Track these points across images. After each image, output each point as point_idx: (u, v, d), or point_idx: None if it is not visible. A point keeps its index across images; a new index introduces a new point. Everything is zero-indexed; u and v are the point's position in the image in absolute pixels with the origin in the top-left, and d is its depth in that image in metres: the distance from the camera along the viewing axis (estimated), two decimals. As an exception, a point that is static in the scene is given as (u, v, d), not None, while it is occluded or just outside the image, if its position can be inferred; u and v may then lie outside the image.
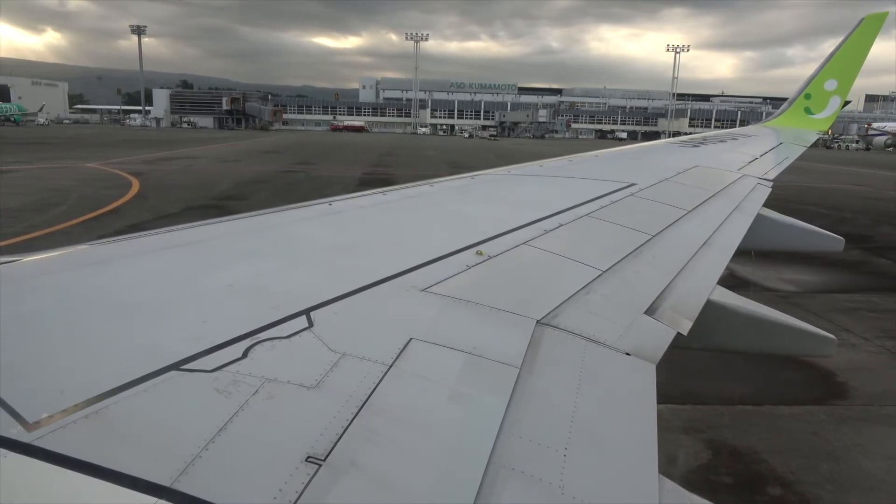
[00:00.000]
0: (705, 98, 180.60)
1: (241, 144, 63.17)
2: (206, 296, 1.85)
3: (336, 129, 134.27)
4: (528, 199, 3.94)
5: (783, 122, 11.61)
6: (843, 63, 10.71)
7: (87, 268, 2.07)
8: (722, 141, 9.06)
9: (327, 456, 1.15)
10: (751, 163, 6.69)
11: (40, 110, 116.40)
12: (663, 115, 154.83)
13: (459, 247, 2.51)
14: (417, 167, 38.65)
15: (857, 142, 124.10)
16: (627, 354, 1.89)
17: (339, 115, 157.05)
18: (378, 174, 33.52)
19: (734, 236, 3.64)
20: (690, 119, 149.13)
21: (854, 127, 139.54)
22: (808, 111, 11.38)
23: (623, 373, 1.82)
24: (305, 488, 1.07)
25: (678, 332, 2.13)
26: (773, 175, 6.08)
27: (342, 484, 1.10)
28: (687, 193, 4.49)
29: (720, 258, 3.15)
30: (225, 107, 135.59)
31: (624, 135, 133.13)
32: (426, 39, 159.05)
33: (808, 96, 11.40)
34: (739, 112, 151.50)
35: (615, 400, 1.69)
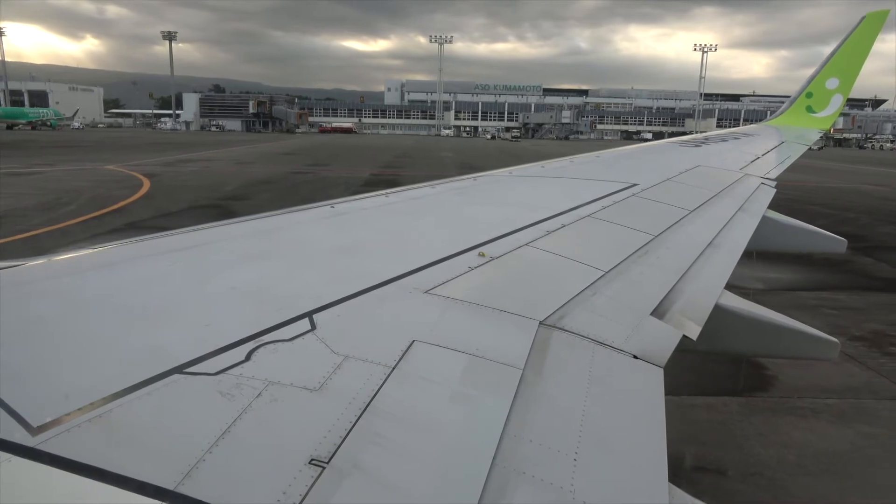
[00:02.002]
0: (735, 98, 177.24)
1: (263, 147, 64.48)
2: (209, 299, 1.86)
3: (324, 130, 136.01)
4: (529, 201, 3.94)
5: (785, 121, 11.52)
6: (845, 61, 10.60)
7: (90, 272, 2.10)
8: (724, 140, 9.08)
9: (331, 458, 1.16)
10: (753, 162, 6.74)
11: (74, 115, 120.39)
12: (691, 116, 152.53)
13: (462, 248, 2.52)
14: (427, 168, 39.03)
15: (893, 141, 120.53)
16: (635, 357, 1.88)
17: (365, 117, 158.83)
18: (385, 175, 34.02)
19: (740, 239, 3.60)
20: (718, 119, 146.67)
21: (889, 126, 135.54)
22: (809, 109, 11.28)
23: (631, 376, 1.81)
24: (309, 491, 1.07)
25: (685, 336, 2.13)
26: (775, 174, 6.10)
27: (346, 486, 1.11)
28: (689, 194, 4.49)
29: (727, 261, 3.13)
30: (251, 110, 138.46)
31: (649, 135, 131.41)
32: (451, 41, 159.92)
33: (809, 95, 11.32)
34: (769, 112, 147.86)
35: (624, 404, 1.68)
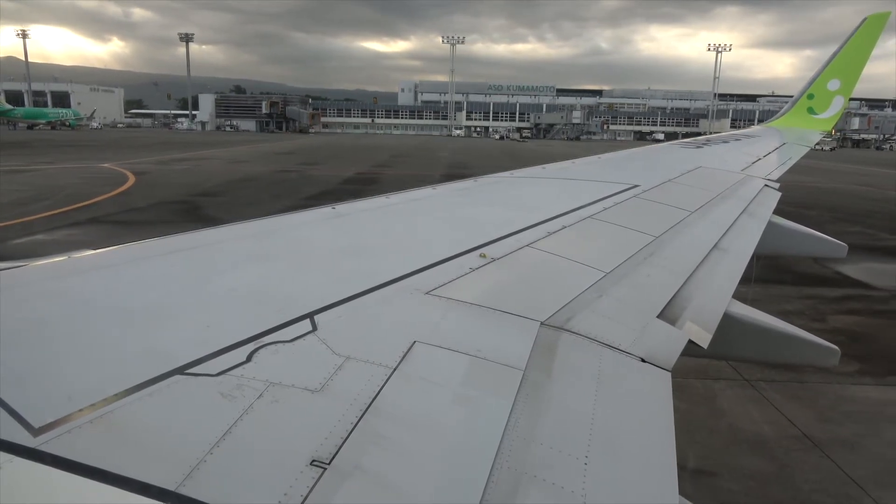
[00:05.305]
0: (752, 98, 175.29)
1: (265, 146, 65.77)
2: (211, 300, 1.88)
3: None
4: (530, 202, 3.96)
5: (786, 123, 11.55)
6: (846, 63, 10.65)
7: (92, 273, 2.12)
8: (725, 142, 9.16)
9: (332, 459, 1.17)
10: (754, 163, 6.75)
11: (91, 115, 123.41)
12: (705, 116, 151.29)
13: (463, 249, 2.53)
14: (417, 168, 39.70)
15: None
16: (643, 361, 1.87)
17: (378, 117, 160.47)
18: (369, 174, 34.65)
19: (747, 244, 3.58)
20: (733, 119, 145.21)
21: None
22: (811, 111, 11.30)
23: (639, 379, 1.80)
24: (310, 492, 1.08)
25: (698, 345, 2.14)
26: (776, 175, 6.14)
27: (347, 487, 1.12)
28: (691, 194, 4.49)
29: (735, 267, 3.12)
30: (264, 111, 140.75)
31: (662, 136, 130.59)
32: (463, 42, 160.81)
33: (811, 96, 11.32)
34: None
35: (634, 408, 1.67)
